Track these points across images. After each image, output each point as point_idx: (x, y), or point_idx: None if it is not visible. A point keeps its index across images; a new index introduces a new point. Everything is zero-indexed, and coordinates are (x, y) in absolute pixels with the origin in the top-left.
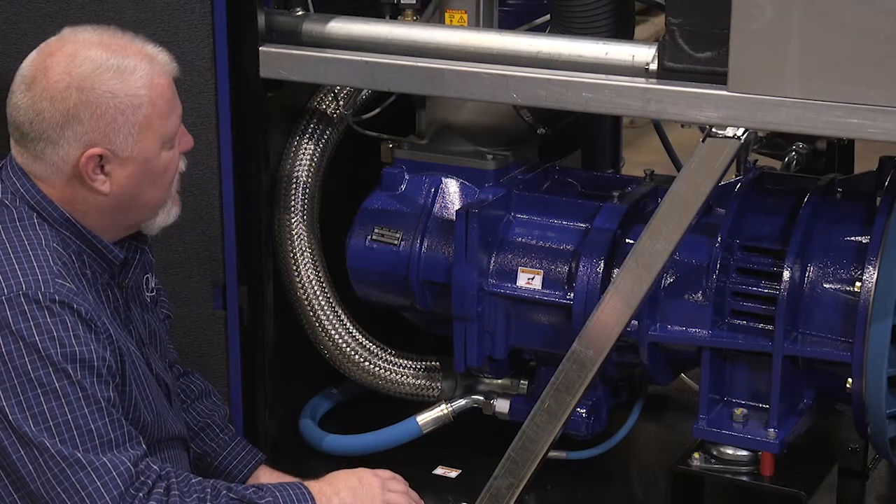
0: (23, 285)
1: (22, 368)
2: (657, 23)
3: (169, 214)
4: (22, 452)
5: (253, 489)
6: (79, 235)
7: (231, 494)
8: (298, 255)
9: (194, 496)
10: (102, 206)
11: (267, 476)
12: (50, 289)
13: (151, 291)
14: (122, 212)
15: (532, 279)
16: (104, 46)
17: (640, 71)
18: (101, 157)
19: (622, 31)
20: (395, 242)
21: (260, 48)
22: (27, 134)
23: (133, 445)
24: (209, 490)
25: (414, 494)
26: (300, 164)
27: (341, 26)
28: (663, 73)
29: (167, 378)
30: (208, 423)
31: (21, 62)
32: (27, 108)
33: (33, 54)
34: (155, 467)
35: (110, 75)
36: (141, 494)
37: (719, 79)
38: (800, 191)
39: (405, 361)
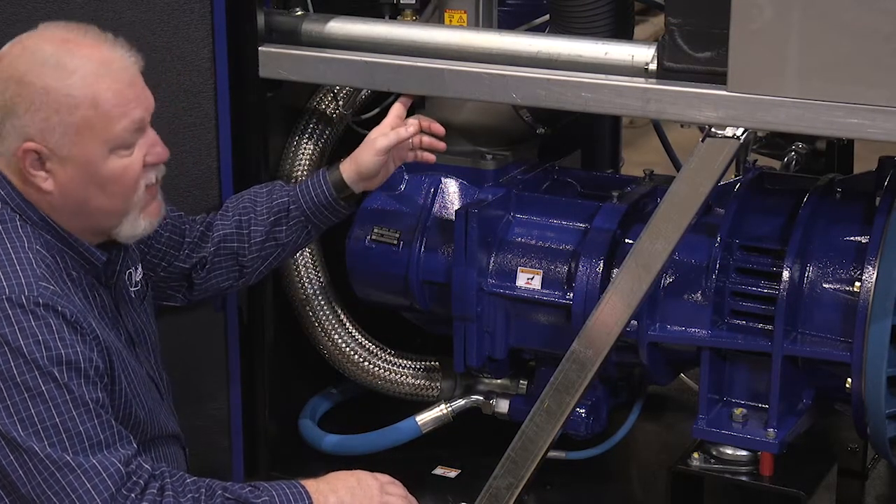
0: (6, 289)
1: (8, 373)
2: (657, 23)
3: (136, 225)
4: (11, 457)
5: (249, 488)
6: (59, 238)
7: (227, 494)
8: (298, 254)
9: (189, 496)
10: (56, 205)
11: (347, 165)
12: (33, 292)
13: (136, 286)
14: (78, 215)
15: (531, 279)
16: (57, 42)
17: (640, 71)
18: (38, 153)
19: (622, 31)
20: (395, 242)
21: (259, 48)
22: None
23: (123, 445)
24: (204, 490)
25: (412, 499)
26: (299, 164)
27: (341, 26)
28: (663, 73)
29: (157, 375)
30: (277, 215)
31: None
32: None
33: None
34: (147, 466)
35: (48, 72)
36: (133, 495)
37: (719, 79)
38: (799, 191)
39: (405, 361)
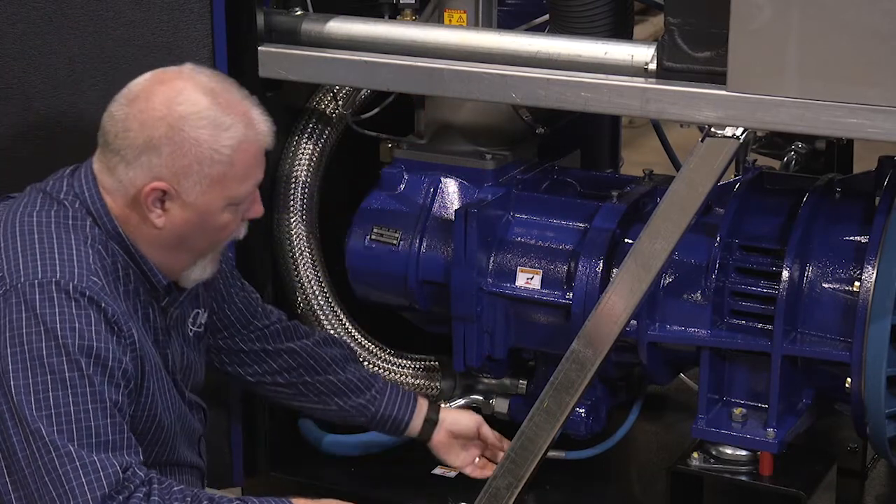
0: (56, 273)
1: (37, 351)
2: (657, 23)
3: (205, 269)
4: (21, 434)
5: (237, 501)
6: (126, 251)
7: None
8: (298, 255)
9: (175, 503)
10: (152, 238)
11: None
12: (82, 283)
13: (199, 327)
14: (167, 251)
15: (531, 279)
16: (213, 95)
17: (640, 71)
18: (164, 192)
19: (621, 31)
20: (394, 242)
21: (259, 48)
22: (109, 144)
23: (129, 453)
24: (190, 499)
25: None
26: (299, 164)
27: (340, 26)
28: (662, 73)
29: (199, 410)
30: (353, 387)
31: (19, 62)
32: (119, 120)
33: (148, 74)
34: (140, 473)
35: (204, 124)
36: (121, 497)
37: (718, 78)
38: (799, 190)
39: (404, 361)
